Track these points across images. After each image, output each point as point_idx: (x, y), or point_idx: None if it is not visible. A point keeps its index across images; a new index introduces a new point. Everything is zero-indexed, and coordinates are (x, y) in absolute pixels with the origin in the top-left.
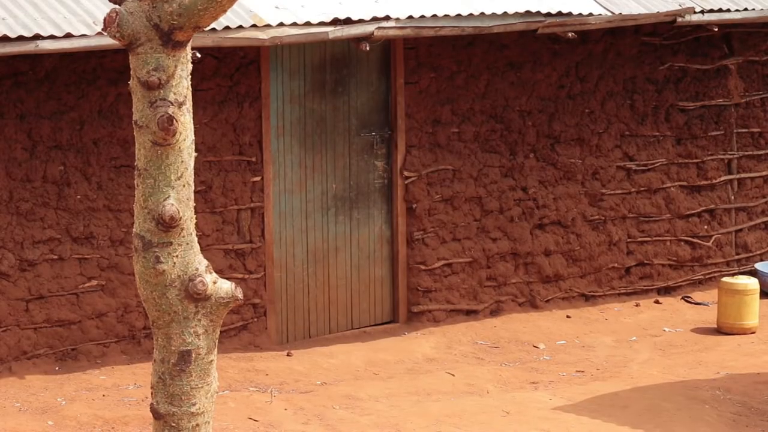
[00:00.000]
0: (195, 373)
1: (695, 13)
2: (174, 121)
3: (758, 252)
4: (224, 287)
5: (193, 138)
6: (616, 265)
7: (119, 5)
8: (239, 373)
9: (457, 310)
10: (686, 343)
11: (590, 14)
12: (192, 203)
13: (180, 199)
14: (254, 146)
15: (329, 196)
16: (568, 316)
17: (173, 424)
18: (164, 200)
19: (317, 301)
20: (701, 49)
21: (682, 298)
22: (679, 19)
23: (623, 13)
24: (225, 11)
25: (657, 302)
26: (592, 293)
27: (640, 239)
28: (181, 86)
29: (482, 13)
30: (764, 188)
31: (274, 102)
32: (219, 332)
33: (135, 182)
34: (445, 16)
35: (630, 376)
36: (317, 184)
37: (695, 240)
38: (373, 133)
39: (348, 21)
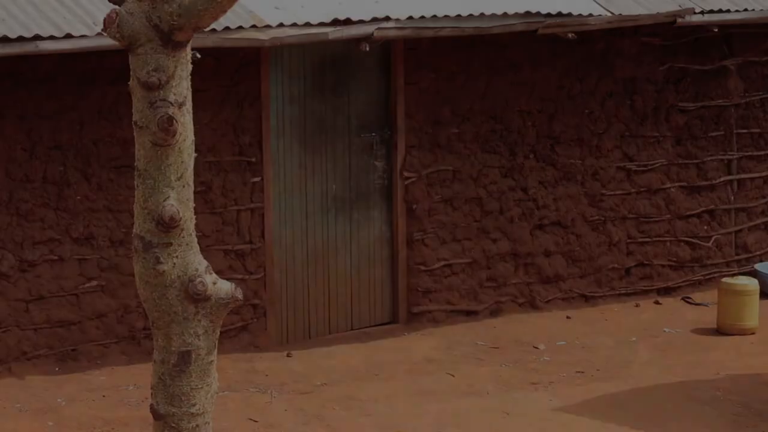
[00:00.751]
0: (195, 373)
1: (695, 13)
2: (174, 121)
3: (758, 252)
4: (224, 288)
5: (193, 138)
6: (616, 265)
7: (119, 6)
8: (239, 374)
9: (457, 310)
10: (686, 343)
11: (590, 15)
12: (192, 204)
13: (180, 200)
14: (254, 147)
15: (329, 197)
16: (568, 317)
17: (173, 425)
18: (164, 201)
19: (317, 302)
20: (701, 50)
21: (682, 298)
22: (679, 20)
23: (623, 13)
24: (225, 12)
25: (657, 303)
26: (592, 294)
27: (640, 240)
28: (181, 87)
29: (482, 14)
30: (764, 189)
31: (273, 102)
32: (219, 333)
33: (135, 183)
34: (445, 16)
35: (630, 377)
36: (317, 185)
37: (695, 240)
38: (373, 134)
39: (348, 21)
